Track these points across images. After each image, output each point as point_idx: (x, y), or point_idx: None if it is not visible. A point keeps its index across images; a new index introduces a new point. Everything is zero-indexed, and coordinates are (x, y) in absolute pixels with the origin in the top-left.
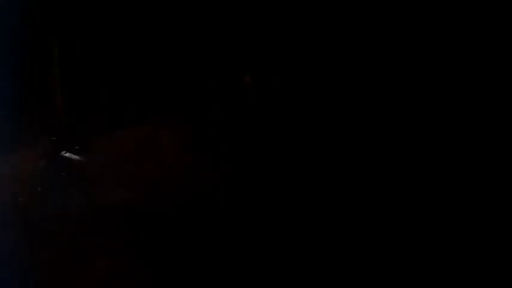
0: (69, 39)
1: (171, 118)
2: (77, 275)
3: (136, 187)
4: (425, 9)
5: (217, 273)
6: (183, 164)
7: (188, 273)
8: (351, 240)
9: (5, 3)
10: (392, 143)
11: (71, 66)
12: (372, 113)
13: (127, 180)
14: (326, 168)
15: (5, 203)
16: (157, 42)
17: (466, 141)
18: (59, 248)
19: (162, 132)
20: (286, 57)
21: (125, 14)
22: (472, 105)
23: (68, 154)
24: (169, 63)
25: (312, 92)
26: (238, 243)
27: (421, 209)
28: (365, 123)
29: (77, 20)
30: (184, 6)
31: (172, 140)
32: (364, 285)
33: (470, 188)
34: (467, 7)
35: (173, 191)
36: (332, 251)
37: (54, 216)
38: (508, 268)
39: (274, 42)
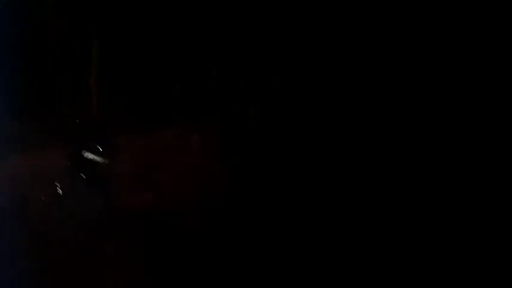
0: (104, 39)
1: (200, 121)
2: (92, 277)
3: (160, 191)
4: (425, 9)
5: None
6: (209, 169)
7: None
8: (354, 240)
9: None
10: (392, 144)
11: (102, 66)
12: (373, 113)
13: (151, 183)
14: (330, 169)
15: (26, 201)
16: (190, 45)
17: (466, 141)
18: (75, 250)
19: (190, 136)
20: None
21: (155, 17)
22: (472, 105)
23: (91, 156)
24: (200, 65)
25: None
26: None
27: (421, 209)
28: (366, 123)
29: (114, 22)
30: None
31: (200, 144)
32: (364, 285)
33: (470, 187)
34: (467, 7)
35: (198, 197)
36: (339, 250)
37: (73, 218)
38: (508, 268)
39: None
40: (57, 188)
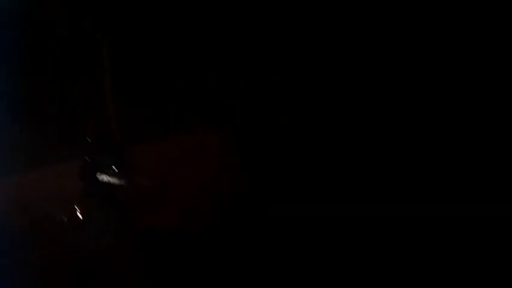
0: (117, 42)
1: (219, 129)
2: None
3: (181, 210)
4: (425, 10)
5: None
6: (233, 185)
7: None
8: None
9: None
10: (392, 144)
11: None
12: (373, 114)
13: (170, 202)
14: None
15: (41, 222)
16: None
17: (466, 141)
18: (93, 275)
19: (210, 141)
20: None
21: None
22: (472, 106)
23: (103, 176)
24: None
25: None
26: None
27: (421, 209)
28: (366, 123)
29: (127, 23)
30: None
31: (222, 157)
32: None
33: (470, 188)
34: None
35: (223, 217)
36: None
37: (89, 241)
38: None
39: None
40: (74, 209)
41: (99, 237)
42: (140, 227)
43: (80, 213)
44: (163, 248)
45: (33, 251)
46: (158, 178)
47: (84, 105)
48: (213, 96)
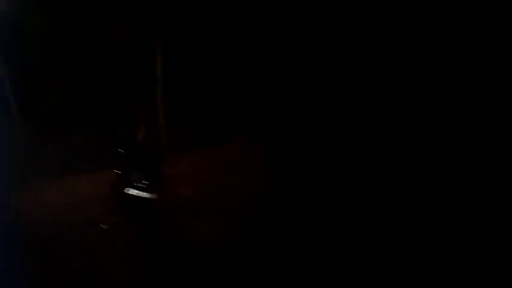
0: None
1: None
2: None
3: (223, 221)
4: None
5: None
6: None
7: None
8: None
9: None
10: (392, 145)
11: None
12: (373, 114)
13: (205, 216)
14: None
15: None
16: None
17: (466, 142)
18: None
19: (252, 158)
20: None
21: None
22: (472, 106)
23: (134, 191)
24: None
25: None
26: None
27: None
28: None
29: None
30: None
31: (259, 161)
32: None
33: (470, 189)
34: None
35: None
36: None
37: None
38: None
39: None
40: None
41: (125, 250)
42: (176, 239)
43: (109, 226)
44: (198, 261)
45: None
46: (198, 188)
47: (131, 113)
48: (253, 109)
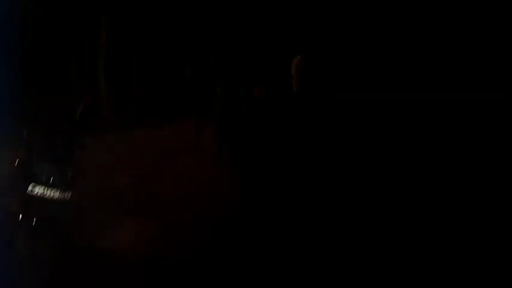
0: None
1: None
2: None
3: (154, 224)
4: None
5: None
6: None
7: None
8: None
9: None
10: (392, 146)
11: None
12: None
13: (138, 213)
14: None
15: None
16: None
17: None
18: None
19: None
20: None
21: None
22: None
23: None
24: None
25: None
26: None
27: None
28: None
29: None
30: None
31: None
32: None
33: (471, 189)
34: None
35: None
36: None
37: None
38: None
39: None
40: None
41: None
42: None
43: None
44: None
45: None
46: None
47: (75, 87)
48: (208, 87)
